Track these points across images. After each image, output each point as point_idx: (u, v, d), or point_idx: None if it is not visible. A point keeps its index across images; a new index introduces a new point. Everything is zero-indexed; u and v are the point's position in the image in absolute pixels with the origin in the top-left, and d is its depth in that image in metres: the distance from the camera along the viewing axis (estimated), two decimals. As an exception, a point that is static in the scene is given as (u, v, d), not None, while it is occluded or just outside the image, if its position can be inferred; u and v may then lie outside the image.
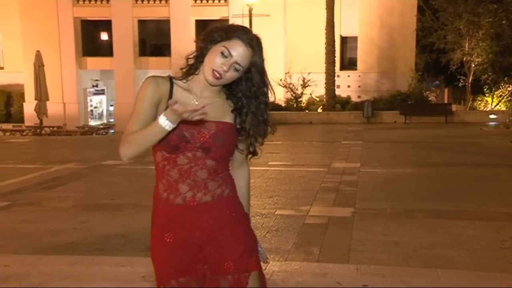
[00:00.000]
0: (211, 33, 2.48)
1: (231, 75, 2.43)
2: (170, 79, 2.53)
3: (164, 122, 2.25)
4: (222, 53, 2.39)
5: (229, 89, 2.55)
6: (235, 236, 2.49)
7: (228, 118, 2.51)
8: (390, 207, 8.26)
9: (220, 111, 2.51)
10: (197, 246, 2.48)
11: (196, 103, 2.46)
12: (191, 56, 2.53)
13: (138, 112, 2.46)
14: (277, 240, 6.52)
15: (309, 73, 24.65)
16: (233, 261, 2.45)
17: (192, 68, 2.52)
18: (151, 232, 2.56)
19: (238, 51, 2.40)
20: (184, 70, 2.55)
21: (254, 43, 2.45)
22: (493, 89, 27.54)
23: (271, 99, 2.61)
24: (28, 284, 4.83)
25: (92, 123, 30.80)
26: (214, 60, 2.40)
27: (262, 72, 2.50)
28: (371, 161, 13.23)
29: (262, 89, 2.51)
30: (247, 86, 2.51)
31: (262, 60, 2.50)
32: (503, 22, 17.96)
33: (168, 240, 2.47)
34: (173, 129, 2.34)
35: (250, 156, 2.63)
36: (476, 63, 25.93)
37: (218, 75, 2.40)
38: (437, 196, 9.20)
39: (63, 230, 7.12)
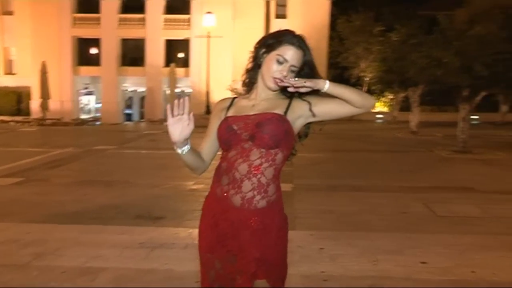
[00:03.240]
0: (262, 44, 2.05)
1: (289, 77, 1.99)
2: (234, 97, 2.14)
3: (176, 150, 1.97)
4: (278, 61, 1.97)
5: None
6: (253, 240, 1.96)
7: (278, 110, 1.99)
8: (319, 183, 8.06)
9: (272, 105, 2.02)
10: (224, 234, 2.00)
11: (252, 104, 2.05)
12: (249, 68, 2.10)
13: (207, 131, 2.12)
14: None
15: (251, 81, 24.46)
16: (246, 261, 1.94)
17: (252, 78, 2.09)
18: (206, 215, 2.13)
19: (292, 55, 1.96)
20: (246, 82, 2.13)
21: (303, 45, 2.00)
22: (380, 97, 28.39)
23: None
24: (47, 248, 4.35)
25: (83, 116, 29.88)
26: (272, 69, 1.97)
27: (313, 67, 2.04)
28: (299, 147, 12.79)
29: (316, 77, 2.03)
30: (303, 77, 2.01)
31: (312, 57, 2.03)
32: (387, 50, 18.28)
33: (210, 221, 2.04)
34: (223, 124, 2.00)
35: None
36: (368, 78, 26.46)
37: (278, 80, 1.96)
38: (351, 174, 9.06)
39: (68, 201, 6.58)
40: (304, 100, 2.03)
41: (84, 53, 30.52)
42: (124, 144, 14.06)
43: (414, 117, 17.53)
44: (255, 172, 1.93)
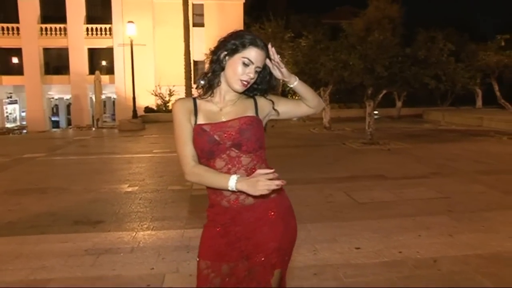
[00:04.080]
0: (223, 47, 1.89)
1: (254, 79, 1.89)
2: (194, 98, 1.95)
3: (232, 185, 1.75)
4: (243, 63, 1.84)
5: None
6: (271, 233, 1.89)
7: (250, 112, 1.92)
8: (249, 179, 7.93)
9: (242, 109, 1.92)
10: (237, 238, 1.89)
11: (219, 108, 1.91)
12: (208, 72, 1.94)
13: (182, 136, 1.88)
14: (175, 209, 5.86)
15: (174, 86, 23.94)
16: (265, 255, 1.88)
17: (213, 82, 1.92)
18: (212, 225, 1.96)
19: (256, 56, 1.85)
20: (205, 86, 1.95)
21: (264, 45, 1.88)
22: (294, 96, 28.66)
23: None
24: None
25: (8, 125, 27.70)
26: (239, 71, 1.84)
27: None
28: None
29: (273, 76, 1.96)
30: (262, 76, 1.96)
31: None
32: (298, 54, 18.59)
33: (217, 229, 1.91)
34: (203, 136, 1.82)
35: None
36: (283, 80, 26.73)
37: (246, 83, 1.85)
38: (277, 169, 8.88)
39: (1, 212, 5.91)
40: (267, 99, 1.99)
41: (5, 62, 28.44)
42: (54, 151, 13.10)
43: (326, 114, 17.93)
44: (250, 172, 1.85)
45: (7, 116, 28.80)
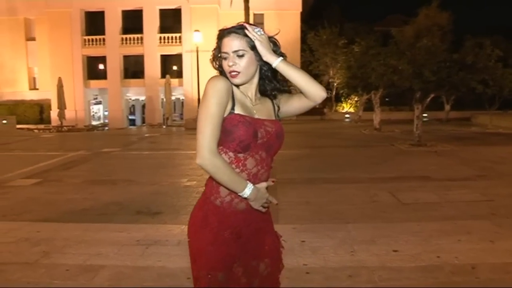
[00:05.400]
0: (213, 58, 1.77)
1: (243, 64, 1.68)
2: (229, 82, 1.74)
3: (246, 193, 1.64)
4: (224, 58, 1.69)
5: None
6: (270, 226, 1.85)
7: (273, 116, 1.78)
8: (298, 177, 7.68)
9: (268, 110, 1.77)
10: (247, 240, 1.74)
11: (251, 103, 1.75)
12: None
13: (219, 116, 1.62)
14: (227, 203, 5.80)
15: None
16: (269, 245, 1.80)
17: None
18: (205, 229, 1.70)
19: (227, 44, 1.68)
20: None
21: (236, 29, 1.70)
22: (347, 99, 28.11)
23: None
24: (54, 247, 3.94)
25: (94, 123, 29.32)
26: (225, 67, 1.70)
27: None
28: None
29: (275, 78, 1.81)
30: (266, 81, 1.80)
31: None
32: (351, 59, 18.15)
33: (225, 235, 1.69)
34: (249, 127, 1.63)
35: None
36: (336, 83, 26.19)
37: (234, 73, 1.67)
38: (325, 168, 8.74)
39: (77, 199, 6.16)
40: (277, 104, 1.83)
41: (93, 69, 29.94)
42: (128, 146, 13.59)
43: (377, 116, 17.39)
44: (268, 176, 1.75)
45: (93, 115, 30.48)
